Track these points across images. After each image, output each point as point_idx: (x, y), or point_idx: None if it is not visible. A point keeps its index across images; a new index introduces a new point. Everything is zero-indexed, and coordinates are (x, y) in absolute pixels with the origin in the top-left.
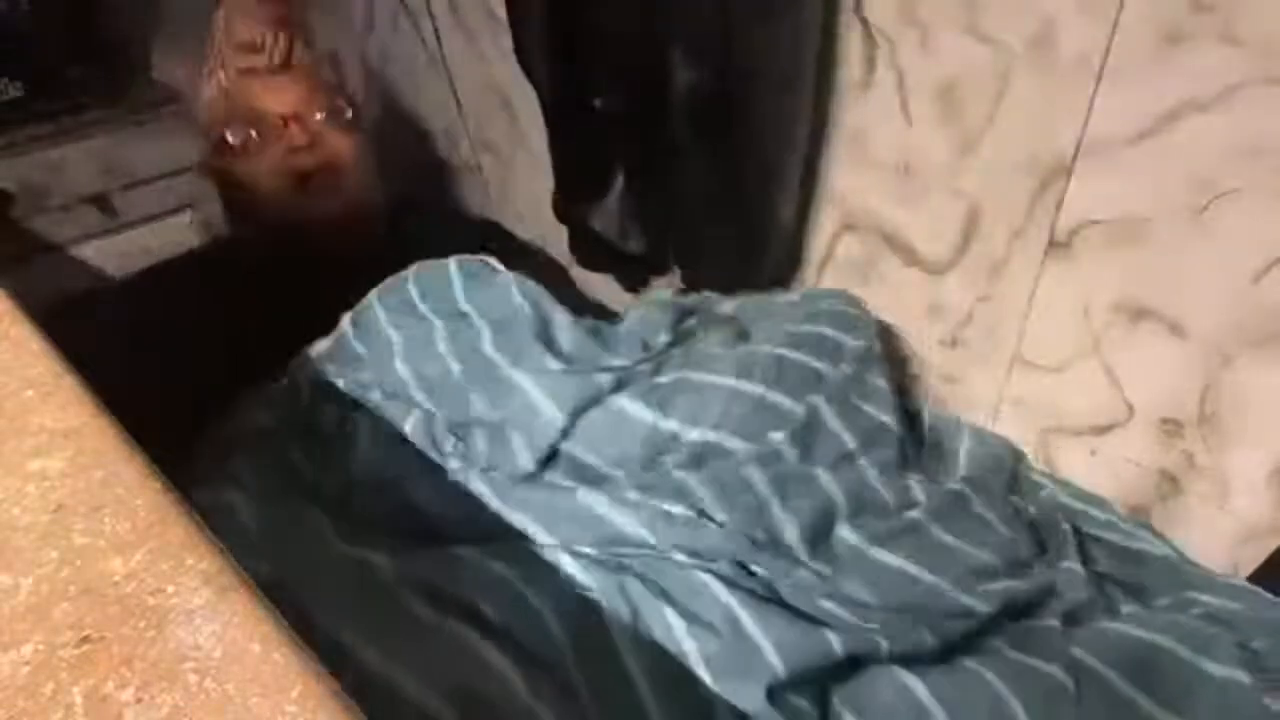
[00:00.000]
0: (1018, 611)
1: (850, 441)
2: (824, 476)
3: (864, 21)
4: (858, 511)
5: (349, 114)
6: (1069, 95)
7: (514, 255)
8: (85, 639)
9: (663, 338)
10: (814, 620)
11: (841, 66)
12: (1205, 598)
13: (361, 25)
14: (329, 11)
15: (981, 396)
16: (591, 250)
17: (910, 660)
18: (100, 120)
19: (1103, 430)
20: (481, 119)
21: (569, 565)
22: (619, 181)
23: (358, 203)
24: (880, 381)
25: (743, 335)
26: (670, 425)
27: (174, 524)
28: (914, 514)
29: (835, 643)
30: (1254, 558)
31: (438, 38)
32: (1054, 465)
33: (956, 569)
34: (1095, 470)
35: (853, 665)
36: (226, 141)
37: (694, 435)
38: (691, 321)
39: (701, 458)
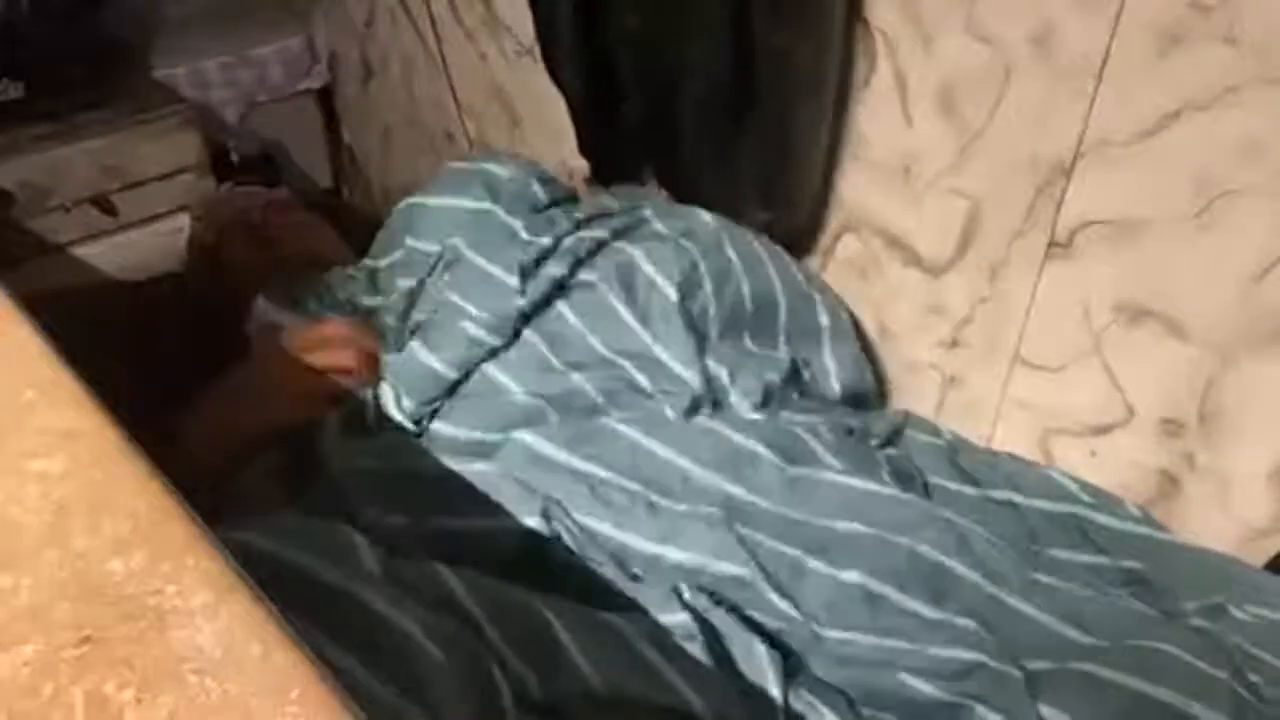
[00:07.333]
0: None
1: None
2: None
3: (864, 21)
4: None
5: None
6: (1069, 95)
7: None
8: (85, 639)
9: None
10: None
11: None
12: (1249, 607)
13: (361, 25)
14: (329, 11)
15: (981, 397)
16: None
17: None
18: (100, 120)
19: (1103, 431)
20: (481, 119)
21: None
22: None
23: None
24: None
25: None
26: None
27: (174, 524)
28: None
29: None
30: (1255, 559)
31: (437, 38)
32: (1054, 466)
33: None
34: (1096, 471)
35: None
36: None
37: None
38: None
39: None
